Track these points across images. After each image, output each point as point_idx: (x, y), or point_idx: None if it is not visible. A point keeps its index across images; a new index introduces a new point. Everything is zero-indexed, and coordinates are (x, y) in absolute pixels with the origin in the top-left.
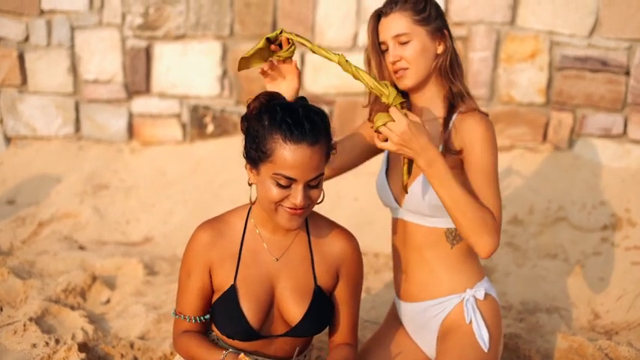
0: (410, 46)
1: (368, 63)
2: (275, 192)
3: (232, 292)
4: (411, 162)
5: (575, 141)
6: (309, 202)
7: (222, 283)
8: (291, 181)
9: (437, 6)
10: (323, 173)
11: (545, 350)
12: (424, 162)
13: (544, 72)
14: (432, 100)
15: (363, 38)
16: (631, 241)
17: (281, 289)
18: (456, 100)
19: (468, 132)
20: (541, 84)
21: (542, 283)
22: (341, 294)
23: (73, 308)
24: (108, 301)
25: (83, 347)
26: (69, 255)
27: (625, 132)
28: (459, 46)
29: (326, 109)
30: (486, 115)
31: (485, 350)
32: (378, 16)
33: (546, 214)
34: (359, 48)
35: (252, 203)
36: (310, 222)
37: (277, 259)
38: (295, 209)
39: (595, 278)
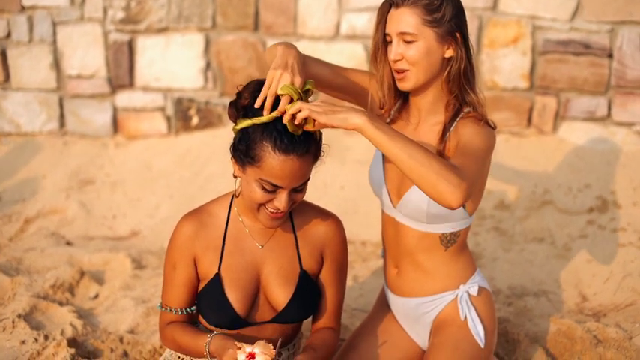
0: (414, 47)
1: (374, 54)
2: (259, 195)
3: (217, 280)
4: None
5: (560, 125)
6: (292, 204)
7: (207, 272)
8: (277, 187)
9: (456, 5)
10: (309, 178)
11: (534, 333)
12: (362, 119)
13: (527, 57)
14: (433, 104)
15: (346, 28)
16: (617, 223)
17: (266, 275)
18: (465, 109)
19: (464, 131)
20: (524, 69)
21: (529, 267)
22: (326, 276)
23: (61, 304)
24: (96, 296)
25: (72, 342)
26: (56, 251)
27: (609, 114)
28: None
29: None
30: (493, 127)
31: (482, 346)
32: (390, 5)
33: (532, 199)
34: (341, 37)
35: (236, 196)
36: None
37: (262, 246)
38: (277, 212)
39: (582, 261)
